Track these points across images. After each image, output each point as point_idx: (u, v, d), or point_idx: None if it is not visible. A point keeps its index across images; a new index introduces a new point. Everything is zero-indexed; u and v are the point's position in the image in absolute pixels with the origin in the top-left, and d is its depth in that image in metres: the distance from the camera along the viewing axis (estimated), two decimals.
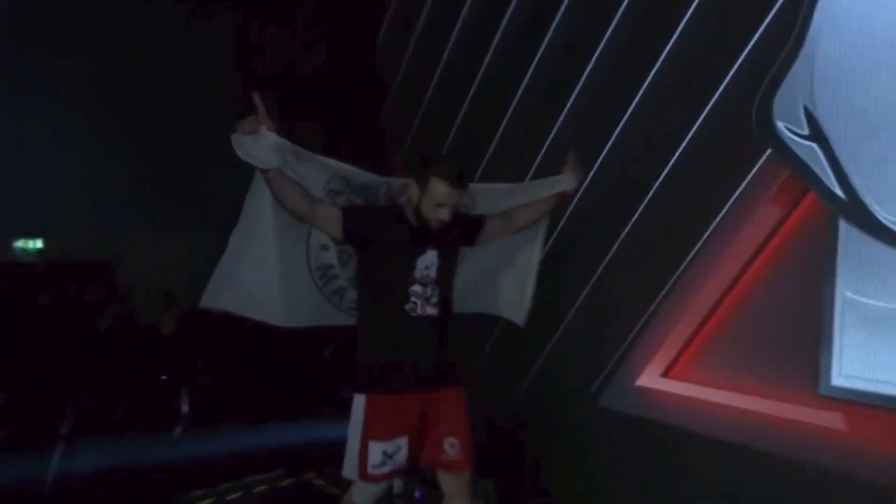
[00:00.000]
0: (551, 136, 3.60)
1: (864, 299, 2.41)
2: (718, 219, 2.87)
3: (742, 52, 2.78)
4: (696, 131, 2.94)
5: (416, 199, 2.39)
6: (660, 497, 2.97)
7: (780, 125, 2.61)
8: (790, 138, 2.60)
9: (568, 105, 3.51)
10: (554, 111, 3.56)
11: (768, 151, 2.69)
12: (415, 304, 2.39)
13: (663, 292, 3.06)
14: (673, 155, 3.03)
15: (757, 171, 2.75)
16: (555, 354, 3.58)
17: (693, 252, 2.96)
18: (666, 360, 3.06)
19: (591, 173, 3.34)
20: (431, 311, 2.40)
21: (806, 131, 2.58)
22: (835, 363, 2.45)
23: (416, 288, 2.39)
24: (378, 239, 2.42)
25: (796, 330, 2.61)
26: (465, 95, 4.16)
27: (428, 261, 2.41)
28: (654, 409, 3.07)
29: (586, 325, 3.43)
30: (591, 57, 3.37)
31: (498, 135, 3.94)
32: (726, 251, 2.86)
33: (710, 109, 2.88)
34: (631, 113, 3.20)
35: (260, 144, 2.22)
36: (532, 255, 2.81)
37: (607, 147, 3.32)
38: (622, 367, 3.24)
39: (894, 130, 2.38)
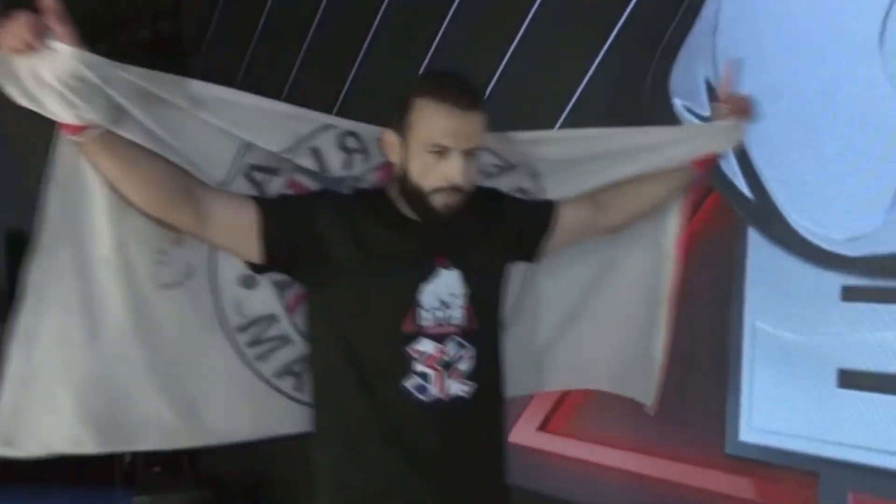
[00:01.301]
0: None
1: (775, 330, 1.97)
2: None
3: (624, 12, 2.28)
4: (573, 104, 2.42)
5: (401, 161, 1.35)
6: None
7: (678, 103, 2.12)
8: (688, 120, 2.10)
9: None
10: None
11: None
12: (423, 378, 1.34)
13: None
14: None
15: None
16: None
17: None
18: (543, 409, 2.45)
19: None
20: (460, 389, 1.36)
21: (708, 112, 2.05)
22: (743, 414, 2.02)
23: (424, 346, 1.35)
24: (337, 256, 1.35)
25: (699, 371, 2.12)
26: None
27: (442, 290, 1.36)
28: (528, 472, 2.43)
29: None
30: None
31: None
32: None
33: (590, 76, 2.37)
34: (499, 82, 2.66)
35: (53, 70, 1.14)
36: (657, 278, 1.70)
37: None
38: None
39: (810, 117, 1.89)
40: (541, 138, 1.60)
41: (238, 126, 1.36)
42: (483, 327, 1.39)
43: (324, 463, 1.40)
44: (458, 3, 2.79)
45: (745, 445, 1.97)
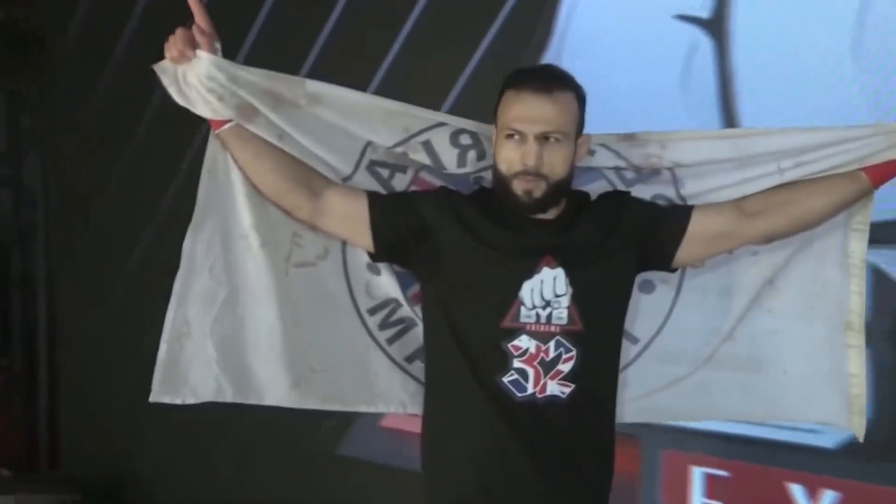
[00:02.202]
0: None
1: None
2: None
3: (485, 38, 2.53)
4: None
5: (493, 152, 1.40)
6: None
7: None
8: None
9: None
10: None
11: None
12: (521, 374, 1.36)
13: None
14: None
15: None
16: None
17: None
18: None
19: None
20: (559, 389, 1.36)
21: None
22: None
23: (523, 342, 1.36)
24: (443, 250, 1.40)
25: None
26: None
27: (546, 288, 1.36)
28: (403, 453, 2.71)
29: None
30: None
31: None
32: None
33: (458, 94, 2.60)
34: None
35: (196, 74, 1.36)
36: (841, 292, 1.49)
37: None
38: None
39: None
40: (672, 138, 1.50)
41: (352, 121, 1.46)
42: (590, 330, 1.36)
43: (425, 447, 1.45)
44: (337, 19, 2.91)
45: None
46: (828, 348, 1.50)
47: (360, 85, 2.69)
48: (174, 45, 1.35)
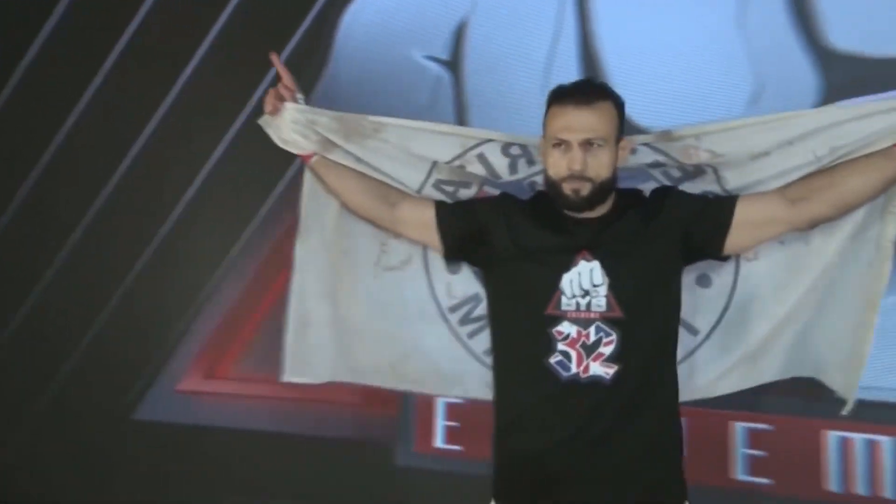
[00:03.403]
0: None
1: None
2: (256, 222, 3.01)
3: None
4: (234, 136, 3.02)
5: (543, 160, 1.53)
6: (211, 497, 2.97)
7: None
8: None
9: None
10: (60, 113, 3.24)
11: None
12: (565, 356, 1.47)
13: (203, 293, 3.07)
14: (212, 154, 3.06)
15: (294, 172, 2.94)
16: (77, 372, 3.24)
17: (233, 253, 3.04)
18: (210, 361, 3.07)
19: (122, 173, 3.15)
20: (601, 370, 1.46)
21: None
22: None
23: (565, 328, 1.47)
24: (501, 246, 1.55)
25: None
26: None
27: (584, 279, 1.47)
28: (198, 412, 3.05)
29: (116, 336, 3.20)
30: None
31: None
32: (263, 253, 3.01)
33: (248, 114, 2.97)
34: (165, 117, 3.13)
35: (285, 120, 1.66)
36: (871, 280, 1.54)
37: (134, 152, 3.18)
38: (161, 374, 3.13)
39: None
40: (705, 130, 1.56)
41: (414, 143, 1.68)
42: (630, 316, 1.45)
43: (495, 427, 1.58)
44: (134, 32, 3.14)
45: None
46: (854, 326, 1.55)
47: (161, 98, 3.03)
48: (269, 101, 1.67)
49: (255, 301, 3.04)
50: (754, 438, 2.31)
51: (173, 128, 3.13)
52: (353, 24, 2.90)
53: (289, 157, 2.79)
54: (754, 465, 2.32)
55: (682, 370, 1.60)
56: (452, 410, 2.72)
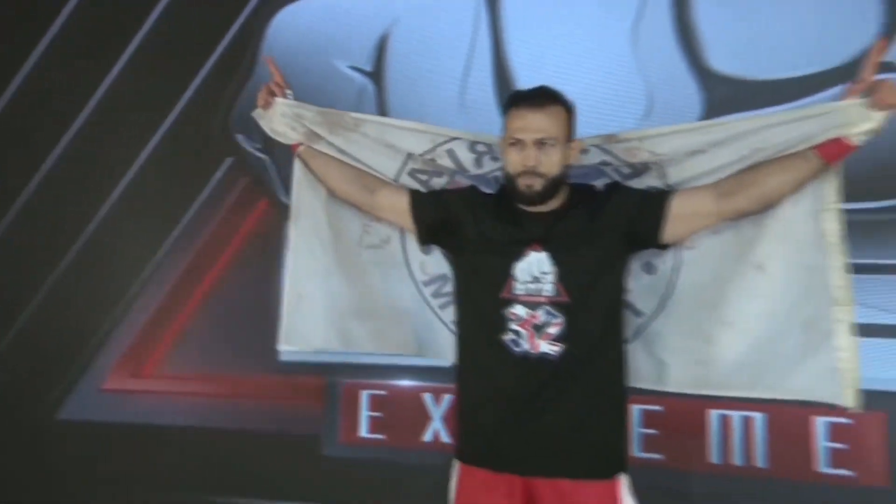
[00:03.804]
0: None
1: None
2: (184, 222, 3.08)
3: (202, 69, 3.07)
4: (160, 139, 3.10)
5: (502, 157, 1.66)
6: (139, 495, 3.02)
7: (239, 137, 3.03)
8: (247, 150, 3.02)
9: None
10: None
11: (229, 160, 3.05)
12: (516, 334, 1.62)
13: (130, 294, 3.12)
14: (139, 156, 3.12)
15: (220, 176, 3.05)
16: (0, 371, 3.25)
17: (159, 254, 3.10)
18: (137, 360, 3.13)
19: (44, 173, 3.16)
20: (549, 348, 1.60)
21: (259, 144, 3.00)
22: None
23: (518, 310, 1.62)
24: (466, 234, 1.69)
25: (258, 318, 2.92)
26: None
27: (533, 268, 1.62)
28: (125, 411, 3.10)
29: (41, 334, 3.21)
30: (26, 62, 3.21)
31: None
32: (191, 252, 3.09)
33: (175, 118, 3.08)
34: (97, 109, 3.17)
35: (276, 114, 1.83)
36: (823, 276, 1.58)
37: (58, 153, 3.21)
38: (87, 373, 3.16)
39: None
40: (647, 135, 1.71)
41: (390, 137, 1.85)
42: (576, 301, 1.59)
43: (457, 388, 1.73)
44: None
45: (286, 363, 2.87)
46: (820, 327, 1.56)
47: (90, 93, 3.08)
48: (262, 97, 1.83)
49: (181, 302, 3.11)
50: (648, 419, 2.57)
51: (98, 131, 3.18)
52: (280, 33, 3.03)
53: (213, 164, 3.03)
54: (648, 443, 2.58)
55: (631, 352, 1.74)
56: (375, 402, 2.89)
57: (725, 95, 2.51)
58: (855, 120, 1.47)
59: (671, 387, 1.76)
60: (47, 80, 3.19)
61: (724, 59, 2.56)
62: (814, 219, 1.57)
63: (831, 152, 1.52)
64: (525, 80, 2.74)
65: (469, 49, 2.87)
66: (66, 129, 3.18)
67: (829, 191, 1.56)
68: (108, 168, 3.13)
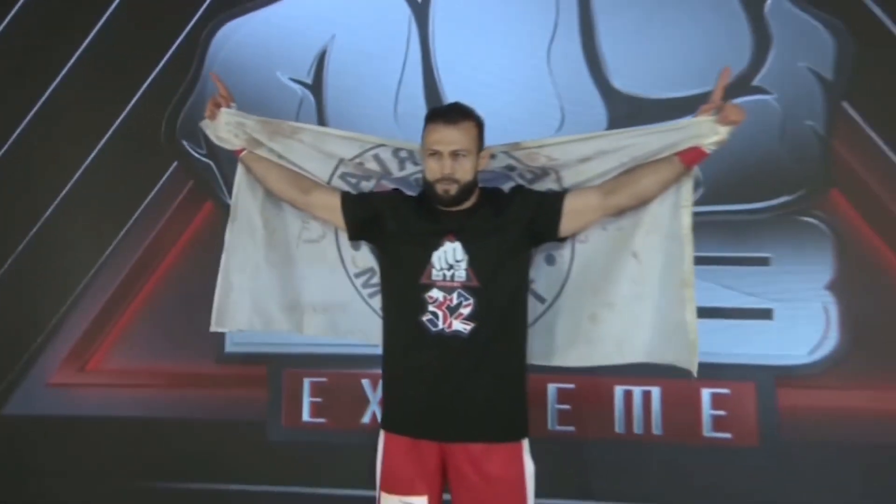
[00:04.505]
0: None
1: None
2: (131, 222, 3.23)
3: (149, 77, 3.24)
4: (109, 142, 3.24)
5: (422, 164, 1.88)
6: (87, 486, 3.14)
7: (185, 143, 3.22)
8: (192, 155, 3.21)
9: None
10: None
11: (175, 164, 3.23)
12: (434, 315, 1.83)
13: (76, 291, 3.24)
14: (86, 159, 3.25)
15: (167, 179, 3.23)
16: None
17: (106, 253, 3.24)
18: (83, 355, 3.25)
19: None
20: (461, 326, 1.82)
21: (204, 150, 3.19)
22: (227, 336, 3.13)
23: (435, 293, 1.83)
24: (390, 230, 1.91)
25: (202, 313, 3.08)
26: None
27: (448, 256, 1.84)
28: (71, 405, 3.21)
29: None
30: None
31: None
32: (139, 250, 3.24)
33: (121, 123, 3.23)
34: (43, 112, 3.29)
35: (221, 122, 2.00)
36: (680, 263, 1.88)
37: (6, 148, 3.31)
38: (33, 369, 3.26)
39: None
40: (544, 143, 1.94)
41: (323, 143, 2.03)
42: (484, 286, 1.82)
43: (383, 366, 1.94)
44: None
45: (230, 354, 3.12)
46: (675, 304, 1.88)
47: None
48: (209, 108, 2.01)
49: (128, 297, 3.25)
50: (561, 396, 2.90)
51: (47, 132, 3.29)
52: (223, 45, 3.22)
53: (160, 166, 3.19)
54: (562, 417, 2.92)
55: (534, 333, 1.99)
56: (316, 388, 3.11)
57: (626, 112, 2.87)
58: (707, 133, 1.78)
59: (561, 362, 2.03)
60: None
61: (625, 80, 2.93)
62: (674, 214, 1.88)
63: (689, 157, 1.82)
64: (452, 94, 2.99)
65: (401, 64, 3.12)
66: (14, 128, 3.29)
67: (685, 191, 1.87)
68: (56, 169, 3.24)
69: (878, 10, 2.74)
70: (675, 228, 1.88)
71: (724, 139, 1.78)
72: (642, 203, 1.91)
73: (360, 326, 2.14)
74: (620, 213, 1.93)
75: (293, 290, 2.13)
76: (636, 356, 1.96)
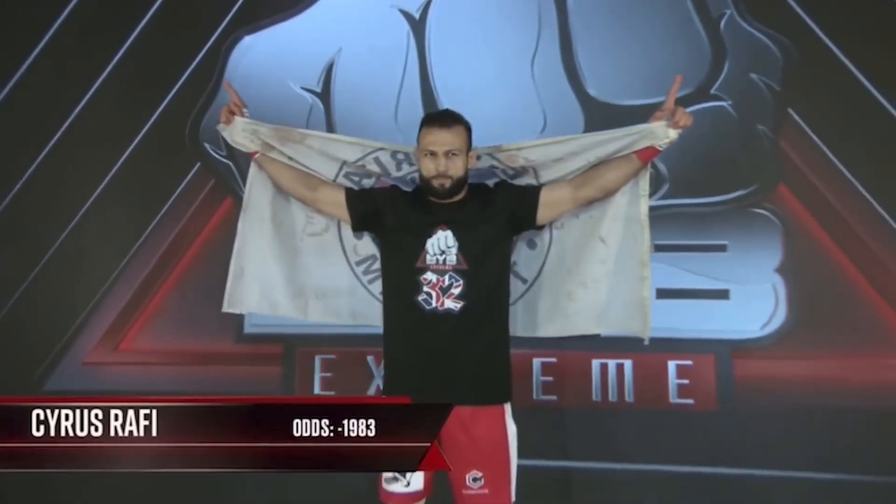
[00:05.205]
0: None
1: None
2: (159, 216, 3.53)
3: (175, 86, 3.55)
4: (138, 143, 3.54)
5: (418, 163, 2.08)
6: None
7: (207, 145, 3.53)
8: (213, 156, 3.53)
9: None
10: None
11: (198, 164, 3.54)
12: (428, 295, 2.04)
13: (111, 278, 3.53)
14: (120, 158, 3.53)
15: (191, 178, 3.54)
16: None
17: (137, 244, 3.53)
18: (117, 335, 3.54)
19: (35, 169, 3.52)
20: (452, 305, 2.03)
21: (224, 152, 3.51)
22: (246, 318, 3.38)
23: (429, 276, 2.04)
24: (389, 221, 2.11)
25: (222, 297, 3.37)
26: None
27: (441, 243, 2.05)
28: (105, 382, 3.49)
29: (28, 311, 3.55)
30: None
31: None
32: (166, 242, 3.54)
33: (150, 127, 3.53)
34: (82, 115, 3.56)
35: (237, 128, 2.17)
36: (637, 244, 2.15)
37: (49, 146, 3.58)
38: (70, 348, 3.54)
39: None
40: (523, 146, 2.17)
41: (330, 147, 2.23)
42: (472, 269, 2.03)
43: (384, 347, 2.13)
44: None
45: (247, 335, 3.39)
46: (635, 281, 2.13)
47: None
48: (224, 115, 2.19)
49: (156, 284, 3.55)
50: (545, 368, 3.19)
51: (85, 136, 3.56)
52: (241, 60, 3.52)
53: (185, 166, 3.52)
54: (545, 388, 3.20)
55: (517, 309, 2.23)
56: (326, 364, 3.40)
57: (600, 117, 3.19)
58: (660, 135, 2.04)
59: (542, 334, 2.27)
60: (37, 93, 3.55)
61: (599, 89, 3.26)
62: (634, 203, 2.15)
63: (645, 155, 2.08)
64: (446, 100, 3.33)
65: (401, 74, 3.42)
66: (57, 129, 3.57)
67: (643, 183, 2.14)
68: (93, 168, 3.52)
69: (818, 30, 3.11)
70: (635, 214, 2.14)
71: (674, 140, 2.05)
72: (608, 194, 2.15)
73: (361, 310, 2.32)
74: (590, 203, 2.17)
75: (298, 278, 2.30)
76: (606, 328, 2.24)
